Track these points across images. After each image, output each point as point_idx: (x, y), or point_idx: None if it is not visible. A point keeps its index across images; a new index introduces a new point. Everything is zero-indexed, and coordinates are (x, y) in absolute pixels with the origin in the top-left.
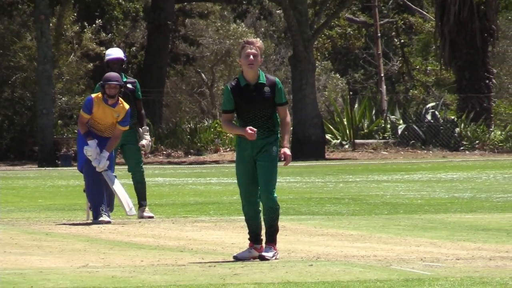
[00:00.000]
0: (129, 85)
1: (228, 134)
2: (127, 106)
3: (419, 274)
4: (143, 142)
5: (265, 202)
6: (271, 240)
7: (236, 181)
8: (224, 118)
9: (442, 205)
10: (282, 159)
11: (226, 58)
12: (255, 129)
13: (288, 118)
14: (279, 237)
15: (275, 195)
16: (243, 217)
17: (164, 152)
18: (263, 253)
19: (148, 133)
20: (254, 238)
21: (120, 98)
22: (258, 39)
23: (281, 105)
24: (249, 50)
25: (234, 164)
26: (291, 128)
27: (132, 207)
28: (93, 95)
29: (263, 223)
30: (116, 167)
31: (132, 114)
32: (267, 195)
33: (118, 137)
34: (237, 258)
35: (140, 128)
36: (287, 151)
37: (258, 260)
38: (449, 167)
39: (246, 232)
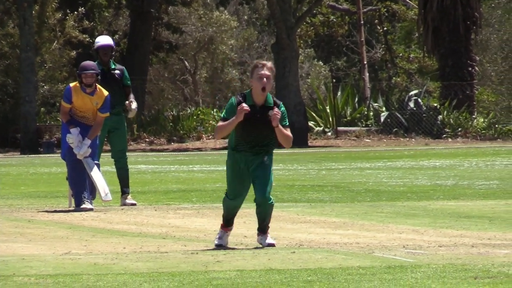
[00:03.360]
0: (117, 72)
1: (211, 121)
2: (105, 93)
3: (402, 261)
4: (133, 106)
5: (261, 203)
6: (264, 231)
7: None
8: (219, 124)
9: (424, 193)
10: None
11: (209, 45)
12: (245, 106)
13: (290, 135)
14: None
15: (272, 199)
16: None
17: (147, 140)
18: (268, 241)
19: (134, 101)
20: (228, 222)
21: (98, 86)
22: (270, 62)
23: (284, 127)
24: (262, 72)
25: (216, 152)
26: None
27: (108, 192)
28: (72, 84)
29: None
30: (101, 153)
31: (120, 101)
32: (263, 199)
33: (100, 124)
34: (221, 246)
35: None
36: (278, 114)
37: (241, 247)
38: (432, 155)
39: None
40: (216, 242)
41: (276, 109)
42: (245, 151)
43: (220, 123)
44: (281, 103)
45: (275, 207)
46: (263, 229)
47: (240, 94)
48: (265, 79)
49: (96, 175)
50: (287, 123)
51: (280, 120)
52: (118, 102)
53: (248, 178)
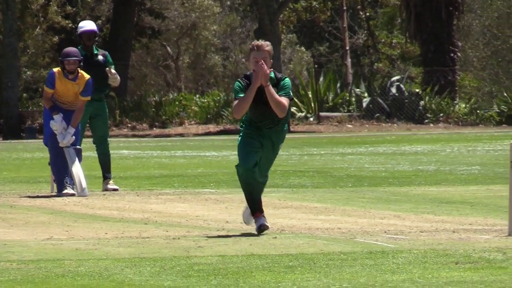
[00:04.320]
0: (100, 57)
1: (193, 107)
2: (87, 77)
3: (383, 247)
4: (112, 70)
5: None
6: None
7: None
8: (235, 103)
9: (406, 178)
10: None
11: (192, 31)
12: (261, 63)
13: (285, 100)
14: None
15: (267, 178)
16: (209, 190)
17: (129, 125)
18: (263, 222)
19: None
20: (255, 206)
21: (81, 70)
22: (267, 42)
23: (283, 95)
24: (257, 56)
25: (198, 137)
26: None
27: (85, 188)
28: (55, 70)
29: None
30: (83, 139)
31: (103, 86)
32: (261, 173)
33: (82, 109)
34: (264, 225)
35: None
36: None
37: (223, 232)
38: (414, 140)
39: (211, 205)
40: (257, 226)
41: (260, 63)
42: (259, 128)
43: (236, 101)
44: (284, 76)
45: None
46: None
47: (244, 76)
48: (260, 63)
49: (75, 169)
50: (288, 94)
51: (281, 90)
52: (101, 88)
53: (260, 147)
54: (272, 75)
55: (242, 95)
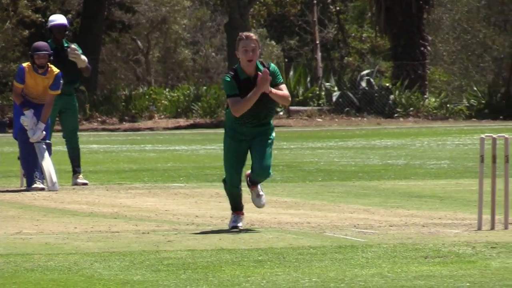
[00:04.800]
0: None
1: (163, 101)
2: (56, 71)
3: (353, 241)
4: (72, 46)
5: (260, 174)
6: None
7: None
8: (234, 102)
9: (376, 172)
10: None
11: (162, 25)
12: (265, 72)
13: (287, 92)
14: (213, 204)
15: (271, 172)
16: (179, 184)
17: (99, 119)
18: (235, 224)
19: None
20: (236, 206)
21: (51, 65)
22: (253, 34)
23: (276, 85)
24: (247, 45)
25: (168, 131)
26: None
27: (56, 182)
28: (24, 64)
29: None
30: (52, 133)
31: (72, 80)
32: (263, 170)
33: (51, 104)
34: (236, 227)
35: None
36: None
37: (192, 227)
38: (383, 134)
39: (180, 199)
40: (231, 224)
41: (260, 73)
42: (245, 124)
43: (234, 100)
44: (270, 62)
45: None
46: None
47: (231, 70)
48: (250, 52)
49: (46, 163)
50: (281, 79)
51: (273, 79)
52: (71, 81)
53: (245, 155)
54: (260, 66)
55: (238, 93)
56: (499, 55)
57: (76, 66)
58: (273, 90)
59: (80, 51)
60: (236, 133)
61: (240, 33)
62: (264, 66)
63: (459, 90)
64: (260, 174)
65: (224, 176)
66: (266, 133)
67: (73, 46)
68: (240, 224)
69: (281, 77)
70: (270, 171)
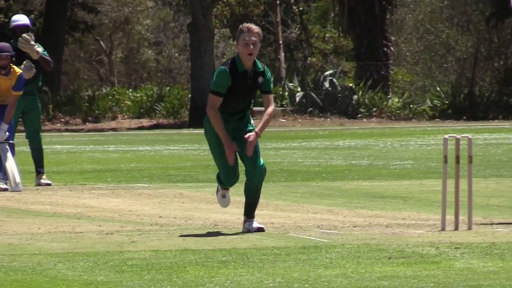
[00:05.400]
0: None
1: (126, 101)
2: (19, 71)
3: (316, 242)
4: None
5: (254, 176)
6: (252, 214)
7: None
8: (214, 102)
9: (339, 173)
10: (247, 137)
11: (125, 25)
12: (232, 153)
13: (272, 108)
14: (177, 204)
15: (264, 167)
16: (142, 185)
17: (62, 120)
18: (256, 226)
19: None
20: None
21: (13, 66)
22: (256, 26)
23: (266, 93)
24: (248, 38)
25: (131, 132)
26: (190, 96)
27: (19, 183)
28: None
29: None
30: (16, 134)
31: (35, 80)
32: (257, 169)
33: (14, 105)
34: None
35: None
36: (255, 135)
37: (156, 227)
38: (347, 135)
39: (144, 199)
40: (218, 194)
41: (251, 136)
42: (227, 121)
43: (216, 99)
44: (266, 67)
45: (190, 187)
46: (250, 212)
47: (227, 61)
48: (251, 45)
49: (9, 164)
50: (271, 88)
51: (265, 86)
52: (34, 81)
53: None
54: (260, 65)
55: (223, 93)
56: (462, 56)
57: (38, 65)
58: (261, 127)
59: (42, 49)
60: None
61: (241, 25)
62: (262, 64)
63: (422, 90)
64: (253, 175)
65: (219, 180)
66: (242, 122)
67: (25, 35)
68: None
69: (272, 85)
70: (263, 167)
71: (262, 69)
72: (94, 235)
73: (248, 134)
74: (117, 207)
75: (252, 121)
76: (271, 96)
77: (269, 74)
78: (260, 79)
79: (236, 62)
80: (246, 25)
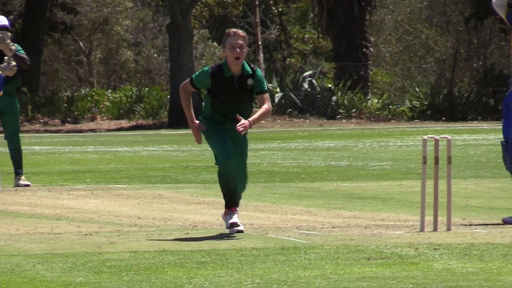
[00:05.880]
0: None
1: (105, 102)
2: None
3: (295, 242)
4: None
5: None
6: (227, 205)
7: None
8: (188, 87)
9: (318, 174)
10: (241, 124)
11: (104, 26)
12: (199, 137)
13: (268, 105)
14: (156, 205)
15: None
16: (121, 186)
17: (41, 121)
18: (232, 221)
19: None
20: (231, 200)
21: None
22: (240, 30)
23: (260, 93)
24: (234, 42)
25: (110, 133)
26: (169, 97)
27: None
28: None
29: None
30: None
31: (13, 81)
32: (242, 182)
33: None
34: (234, 228)
35: None
36: (247, 123)
37: (135, 228)
38: (326, 136)
39: (123, 200)
40: (228, 223)
41: (242, 125)
42: (221, 123)
43: (190, 88)
44: (256, 68)
45: (169, 188)
46: (226, 202)
47: (215, 65)
48: (238, 49)
49: None
50: (265, 88)
51: (257, 87)
52: (12, 81)
53: (230, 137)
54: (249, 69)
55: (197, 88)
56: (442, 56)
57: (18, 67)
58: (255, 118)
59: (17, 47)
60: (216, 122)
61: (227, 30)
62: (251, 67)
63: (402, 91)
64: (240, 180)
65: (216, 161)
66: (244, 139)
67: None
68: (237, 220)
69: (265, 84)
70: (246, 185)
71: (251, 72)
72: (73, 236)
73: (241, 122)
74: (96, 208)
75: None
76: (266, 95)
77: (260, 74)
78: (250, 81)
79: (223, 67)
80: (232, 29)
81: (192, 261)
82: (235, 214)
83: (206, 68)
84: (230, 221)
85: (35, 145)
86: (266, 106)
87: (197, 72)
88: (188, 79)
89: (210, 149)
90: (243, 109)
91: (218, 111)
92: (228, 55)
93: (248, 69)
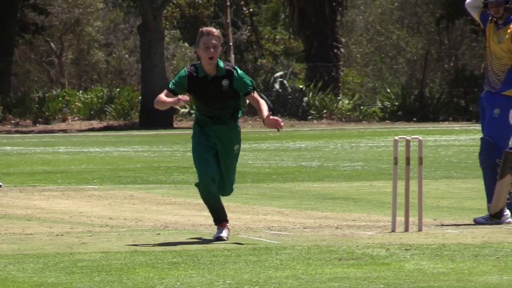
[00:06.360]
0: None
1: (76, 103)
2: None
3: (267, 243)
4: None
5: (223, 194)
6: (216, 222)
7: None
8: (163, 93)
9: (290, 174)
10: (273, 125)
11: (75, 27)
12: (182, 98)
13: (261, 100)
14: (127, 206)
15: (233, 191)
16: (93, 186)
17: (12, 121)
18: (219, 235)
19: None
20: (218, 215)
21: None
22: (216, 29)
23: (247, 94)
24: (208, 41)
25: (82, 133)
26: (141, 97)
27: None
28: None
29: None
30: None
31: None
32: (226, 192)
33: None
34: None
35: None
36: (272, 116)
37: (106, 229)
38: (297, 136)
39: (94, 201)
40: (214, 236)
41: (272, 117)
42: (208, 125)
43: (163, 94)
44: (235, 67)
45: (140, 189)
46: (214, 218)
47: (191, 65)
48: (211, 48)
49: None
50: (250, 87)
51: (240, 88)
52: None
53: (214, 154)
54: (222, 72)
55: (174, 91)
56: (413, 57)
57: None
58: (266, 111)
59: None
60: (202, 132)
61: (201, 28)
62: (226, 69)
63: (373, 92)
64: (223, 193)
65: (197, 181)
66: (230, 136)
67: None
68: (225, 235)
69: (250, 83)
70: (233, 187)
71: (225, 73)
72: (44, 237)
73: (272, 121)
74: (67, 209)
75: (240, 142)
76: (255, 94)
77: (239, 75)
78: (225, 82)
79: (198, 67)
80: (206, 28)
81: (164, 262)
82: (224, 230)
83: (183, 70)
84: (217, 235)
85: (6, 145)
86: (261, 101)
87: (175, 78)
88: (166, 90)
89: (181, 149)
90: (226, 111)
91: (202, 113)
92: (201, 55)
93: (222, 70)
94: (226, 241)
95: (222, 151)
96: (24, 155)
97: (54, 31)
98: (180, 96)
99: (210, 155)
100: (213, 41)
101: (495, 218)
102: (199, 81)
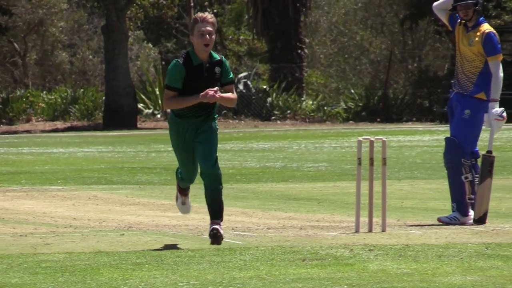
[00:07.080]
0: None
1: (40, 103)
2: None
3: (230, 244)
4: None
5: (208, 173)
6: (218, 217)
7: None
8: (169, 95)
9: (253, 175)
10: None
11: (39, 27)
12: (213, 89)
13: (235, 95)
14: (91, 206)
15: (219, 171)
16: (57, 187)
17: None
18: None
19: None
20: (185, 190)
21: None
22: (211, 14)
23: (228, 83)
24: (204, 28)
25: (46, 134)
26: (104, 98)
27: None
28: None
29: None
30: None
31: None
32: (210, 168)
33: None
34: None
35: None
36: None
37: (70, 229)
38: (261, 137)
39: (58, 201)
40: (178, 202)
41: (212, 92)
42: (190, 117)
43: (171, 94)
44: (224, 58)
45: (104, 189)
46: (211, 214)
47: (181, 55)
48: (207, 35)
49: None
50: (232, 78)
51: (225, 76)
52: None
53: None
54: (217, 57)
55: (178, 88)
56: (376, 58)
57: None
58: (224, 95)
59: None
60: (179, 125)
61: (195, 15)
62: (218, 55)
63: (336, 92)
64: (208, 173)
65: (178, 168)
66: (206, 124)
67: None
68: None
69: (231, 75)
70: (218, 168)
71: (219, 59)
72: (8, 237)
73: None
74: (31, 209)
75: (216, 121)
76: (232, 87)
77: (227, 64)
78: (218, 70)
79: (191, 55)
80: (200, 14)
81: (128, 262)
82: (186, 198)
83: (174, 61)
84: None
85: None
86: (234, 95)
87: (168, 73)
88: (165, 90)
89: (145, 150)
90: (207, 108)
91: (185, 109)
92: (196, 42)
93: (216, 56)
94: (189, 241)
95: (201, 132)
96: None
97: (18, 32)
98: (205, 93)
99: (190, 155)
100: (208, 28)
101: (479, 223)
102: (195, 68)
